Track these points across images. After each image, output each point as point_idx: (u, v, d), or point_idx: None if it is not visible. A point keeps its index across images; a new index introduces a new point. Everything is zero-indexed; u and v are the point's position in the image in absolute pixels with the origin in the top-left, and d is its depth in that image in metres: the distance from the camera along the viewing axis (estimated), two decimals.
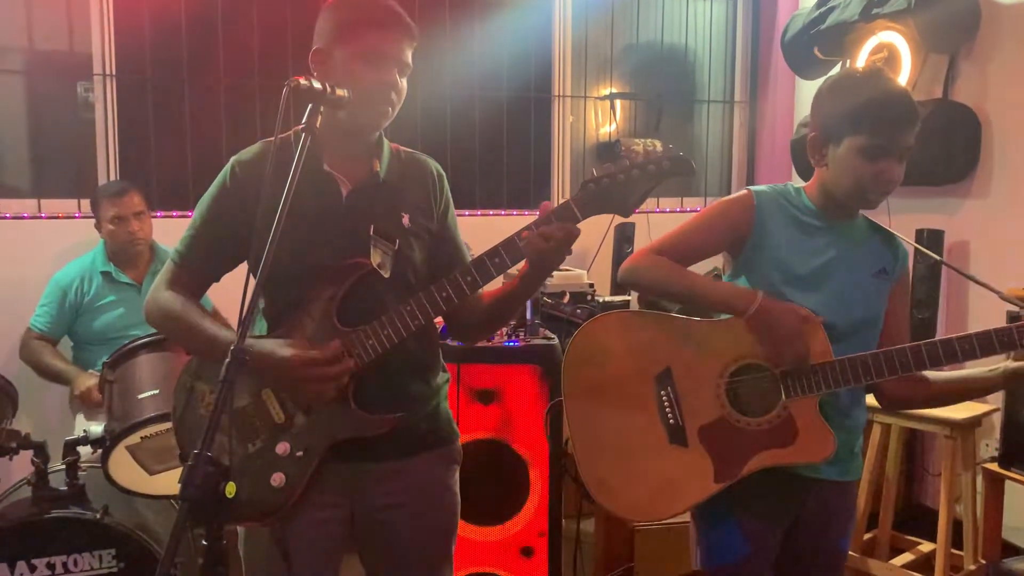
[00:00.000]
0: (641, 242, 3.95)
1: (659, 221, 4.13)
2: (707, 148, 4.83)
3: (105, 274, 3.26)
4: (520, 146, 4.43)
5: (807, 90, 4.33)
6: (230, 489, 1.22)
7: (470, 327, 1.85)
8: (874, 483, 3.23)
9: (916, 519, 3.59)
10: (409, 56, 1.68)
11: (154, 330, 2.93)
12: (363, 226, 1.68)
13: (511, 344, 2.64)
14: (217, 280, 1.77)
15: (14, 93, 3.66)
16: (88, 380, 3.07)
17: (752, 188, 1.88)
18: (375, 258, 1.66)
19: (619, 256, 4.11)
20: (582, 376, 1.91)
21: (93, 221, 3.39)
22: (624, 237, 4.14)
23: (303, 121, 1.48)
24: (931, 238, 3.54)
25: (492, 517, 2.75)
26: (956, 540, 3.04)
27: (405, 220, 1.72)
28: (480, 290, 1.67)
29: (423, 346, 1.75)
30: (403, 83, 1.68)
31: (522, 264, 1.63)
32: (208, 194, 1.73)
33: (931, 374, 1.86)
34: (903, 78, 3.58)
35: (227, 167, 1.73)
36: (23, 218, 3.55)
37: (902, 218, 3.75)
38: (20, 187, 3.68)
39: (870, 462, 3.19)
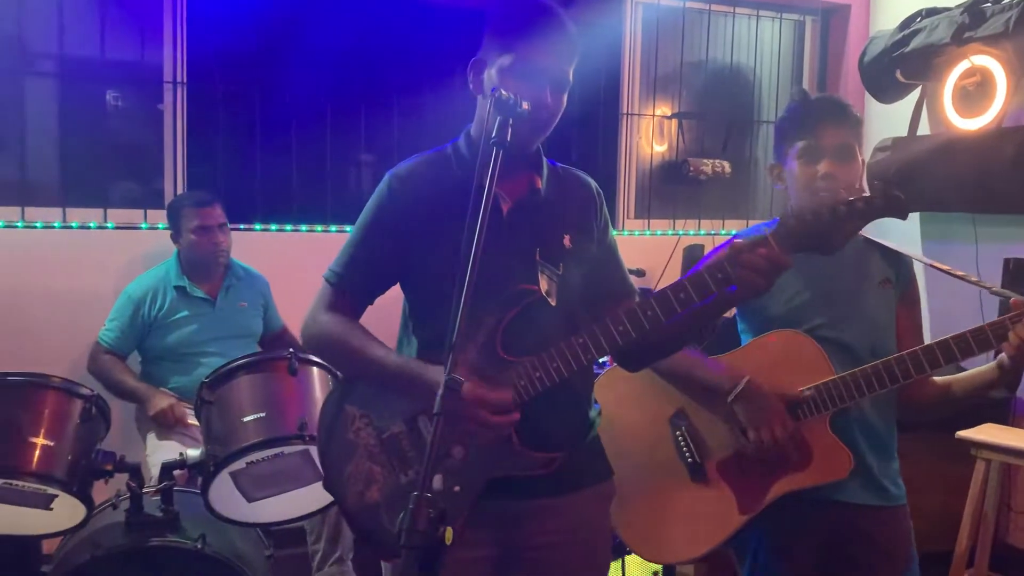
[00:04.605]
0: None
1: None
2: None
3: (179, 288, 3.15)
4: (587, 164, 4.32)
5: (878, 114, 4.24)
6: (448, 535, 1.11)
7: (647, 351, 1.69)
8: (974, 522, 3.11)
9: (1002, 559, 3.46)
10: (569, 72, 1.57)
11: (248, 350, 2.92)
12: (525, 246, 1.58)
13: None
14: (372, 303, 1.66)
15: (84, 102, 3.54)
16: (163, 400, 2.96)
17: None
18: (542, 284, 1.56)
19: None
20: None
21: (161, 232, 3.29)
22: (692, 259, 4.02)
23: (494, 136, 1.39)
24: (1018, 267, 3.45)
25: None
26: None
27: (567, 241, 1.62)
28: None
29: (583, 377, 1.65)
30: (560, 100, 1.57)
31: None
32: (366, 212, 1.64)
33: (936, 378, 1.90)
34: (997, 103, 3.48)
35: (384, 183, 1.64)
36: (88, 228, 3.44)
37: (989, 246, 3.68)
38: (86, 196, 3.55)
39: (973, 498, 3.07)
